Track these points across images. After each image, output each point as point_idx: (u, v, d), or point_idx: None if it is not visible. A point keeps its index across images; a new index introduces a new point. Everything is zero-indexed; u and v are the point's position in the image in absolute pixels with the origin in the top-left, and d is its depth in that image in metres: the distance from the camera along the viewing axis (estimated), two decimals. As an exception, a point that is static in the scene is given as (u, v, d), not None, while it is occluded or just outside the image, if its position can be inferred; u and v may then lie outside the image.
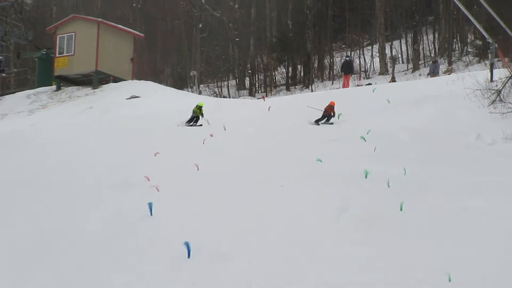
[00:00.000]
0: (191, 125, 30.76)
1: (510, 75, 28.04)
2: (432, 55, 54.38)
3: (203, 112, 31.15)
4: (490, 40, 32.65)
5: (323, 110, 28.78)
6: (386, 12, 55.69)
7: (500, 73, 29.51)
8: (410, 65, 53.11)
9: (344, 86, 43.41)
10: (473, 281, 10.33)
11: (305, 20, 59.56)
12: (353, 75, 48.63)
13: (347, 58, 47.47)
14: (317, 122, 28.49)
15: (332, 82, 53.54)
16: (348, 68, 44.29)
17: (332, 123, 28.21)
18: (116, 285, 11.60)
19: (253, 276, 11.71)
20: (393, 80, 44.41)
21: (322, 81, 55.58)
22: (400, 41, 56.66)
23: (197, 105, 31.44)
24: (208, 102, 40.05)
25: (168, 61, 66.92)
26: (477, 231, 13.90)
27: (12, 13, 55.74)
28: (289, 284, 11.15)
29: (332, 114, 28.51)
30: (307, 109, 31.11)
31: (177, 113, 33.20)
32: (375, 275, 11.50)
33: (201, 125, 30.68)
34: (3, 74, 49.11)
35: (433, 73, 41.27)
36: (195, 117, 31.13)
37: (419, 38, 55.35)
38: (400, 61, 54.76)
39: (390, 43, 55.72)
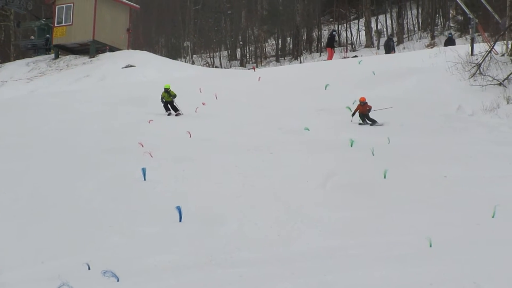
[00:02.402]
0: (172, 114, 25.65)
1: (489, 49, 28.13)
2: (416, 29, 54.32)
3: (174, 92, 25.59)
4: (471, 16, 32.63)
5: (356, 111, 23.85)
6: (372, -13, 55.56)
7: (480, 47, 29.56)
8: (395, 39, 53.02)
9: (328, 59, 43.45)
10: (453, 246, 10.31)
11: (294, -5, 59.51)
12: (338, 48, 48.63)
13: (333, 33, 47.68)
14: (363, 122, 23.73)
15: (320, 54, 53.42)
16: (330, 42, 44.43)
17: (376, 122, 23.47)
18: (111, 247, 11.56)
19: (242, 240, 11.68)
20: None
21: (310, 53, 55.40)
22: (385, 16, 56.43)
23: (164, 89, 25.69)
24: (200, 72, 40.03)
25: (162, 32, 66.45)
26: (456, 198, 13.92)
27: (12, -17, 55.23)
28: (276, 247, 11.13)
29: (368, 109, 23.62)
30: (297, 80, 30.99)
31: (172, 82, 33.10)
32: (358, 238, 11.48)
33: (180, 113, 25.56)
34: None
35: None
36: (168, 103, 25.70)
37: (403, 13, 55.19)
38: (385, 35, 54.49)
39: (375, 17, 55.52)
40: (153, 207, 13.83)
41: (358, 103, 23.61)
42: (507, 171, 15.86)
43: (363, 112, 23.55)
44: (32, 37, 48.64)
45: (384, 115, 23.53)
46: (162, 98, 25.67)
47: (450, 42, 39.59)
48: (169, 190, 15.00)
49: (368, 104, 23.44)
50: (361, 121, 23.63)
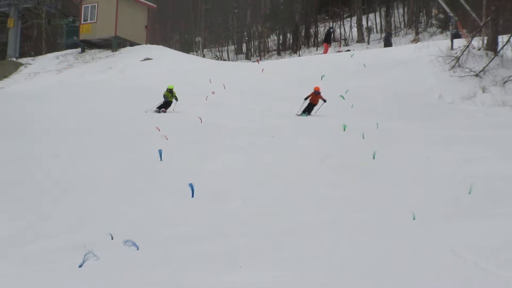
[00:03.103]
0: (160, 111, 23.63)
1: (467, 44, 28.18)
2: (402, 26, 54.01)
3: (176, 95, 23.86)
4: (451, 14, 32.66)
5: (309, 97, 22.80)
6: (363, -11, 55.29)
7: (459, 42, 29.56)
8: (383, 35, 52.88)
9: (324, 52, 43.37)
10: (434, 219, 10.31)
11: (294, -5, 59.39)
12: (334, 43, 48.48)
13: (331, 30, 47.77)
14: (304, 113, 22.74)
15: (317, 49, 53.23)
16: (327, 37, 44.49)
17: (307, 115, 22.68)
18: (131, 219, 11.58)
19: (247, 215, 11.70)
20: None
21: (308, 48, 55.21)
22: (375, 14, 56.20)
23: (167, 89, 23.90)
24: (210, 64, 39.95)
25: (176, 29, 66.29)
26: (437, 177, 13.90)
27: (44, -15, 55.33)
28: (277, 220, 11.13)
29: (321, 101, 22.68)
30: (295, 72, 30.94)
31: (185, 73, 33.05)
32: (350, 213, 11.49)
33: (164, 111, 23.62)
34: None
35: None
36: (167, 102, 23.87)
37: (391, 11, 54.98)
38: (375, 31, 54.38)
39: (366, 15, 55.21)
40: (168, 184, 13.85)
41: (313, 91, 22.82)
42: (482, 152, 15.83)
43: (314, 102, 22.79)
44: (75, 37, 48.47)
45: (373, 103, 23.49)
46: (165, 96, 23.85)
47: (455, 36, 39.71)
48: (182, 169, 15.01)
49: (322, 95, 22.65)
50: (303, 112, 22.78)
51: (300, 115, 22.75)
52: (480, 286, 5.91)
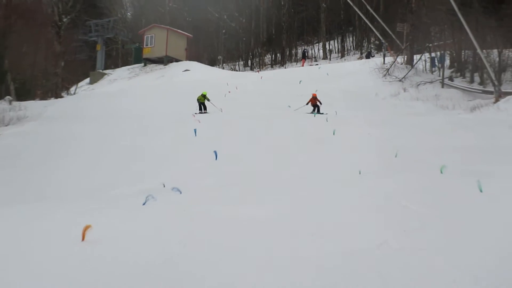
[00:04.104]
0: (201, 113, 20.81)
1: (394, 60, 28.41)
2: (352, 48, 53.60)
3: (209, 97, 21.30)
4: (383, 41, 32.52)
5: (309, 102, 20.90)
6: (327, 25, 54.70)
7: (389, 59, 29.54)
8: (339, 54, 52.57)
9: (302, 66, 43.17)
10: (373, 174, 10.25)
11: (281, 29, 58.92)
12: (307, 59, 48.27)
13: (305, 50, 47.54)
14: (313, 112, 20.42)
15: (296, 63, 52.98)
16: (303, 55, 44.37)
17: (322, 113, 20.27)
18: (176, 174, 11.53)
19: (253, 169, 11.66)
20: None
21: (291, 63, 54.98)
22: (334, 41, 55.84)
23: (201, 94, 21.30)
24: (227, 73, 39.71)
25: (205, 50, 65.70)
26: (375, 146, 13.82)
27: (120, 23, 55.30)
28: (273, 175, 11.08)
29: (318, 103, 20.61)
30: (283, 78, 30.74)
31: (211, 80, 32.85)
32: (317, 169, 11.42)
33: (206, 112, 20.91)
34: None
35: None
36: (201, 104, 21.09)
37: (344, 39, 54.66)
38: (334, 52, 54.01)
39: (328, 42, 54.89)
40: (200, 151, 13.79)
41: (311, 96, 21.04)
42: (403, 131, 15.80)
43: (313, 103, 20.78)
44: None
45: (334, 99, 23.33)
46: (198, 100, 21.29)
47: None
48: (209, 141, 14.94)
49: (318, 99, 20.78)
50: (313, 111, 20.68)
51: (311, 113, 20.35)
52: (402, 217, 5.87)
